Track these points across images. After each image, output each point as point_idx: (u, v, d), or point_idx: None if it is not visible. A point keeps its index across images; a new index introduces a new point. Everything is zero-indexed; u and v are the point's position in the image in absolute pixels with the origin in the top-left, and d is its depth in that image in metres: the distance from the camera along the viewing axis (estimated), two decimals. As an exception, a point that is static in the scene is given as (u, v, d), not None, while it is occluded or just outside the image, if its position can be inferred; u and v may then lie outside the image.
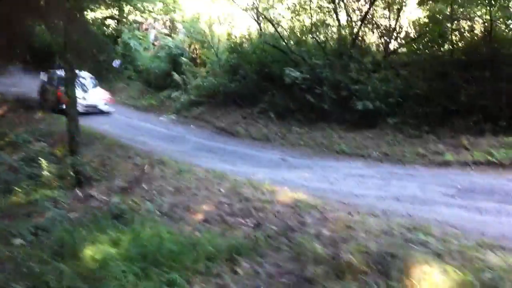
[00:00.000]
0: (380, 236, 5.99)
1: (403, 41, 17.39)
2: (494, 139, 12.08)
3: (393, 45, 17.68)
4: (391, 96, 14.76)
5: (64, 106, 17.65)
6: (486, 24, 14.55)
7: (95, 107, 19.52)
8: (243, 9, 21.20)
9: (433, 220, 7.01)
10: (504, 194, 8.96)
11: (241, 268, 5.83)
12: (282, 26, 20.50)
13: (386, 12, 17.76)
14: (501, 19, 14.43)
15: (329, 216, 6.96)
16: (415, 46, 16.87)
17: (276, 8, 20.99)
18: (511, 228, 6.91)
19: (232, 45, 21.00)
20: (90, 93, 19.00)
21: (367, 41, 18.49)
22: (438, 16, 15.42)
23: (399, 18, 17.29)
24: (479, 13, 14.77)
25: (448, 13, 14.98)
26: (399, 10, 17.17)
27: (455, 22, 15.23)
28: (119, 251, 6.41)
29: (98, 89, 20.45)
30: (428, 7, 16.12)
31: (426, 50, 16.18)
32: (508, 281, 4.78)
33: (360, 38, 18.04)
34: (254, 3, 20.64)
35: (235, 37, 21.69)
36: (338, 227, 6.45)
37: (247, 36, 21.26)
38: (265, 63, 18.63)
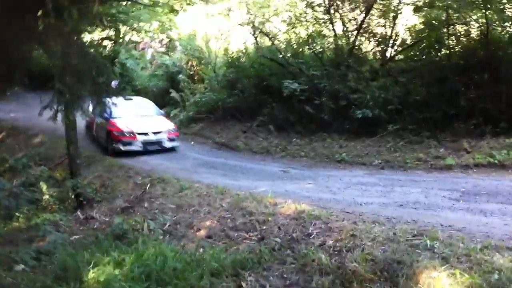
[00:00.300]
0: (386, 244, 5.93)
1: (400, 48, 17.37)
2: (495, 141, 12.01)
3: (390, 52, 17.65)
4: (390, 103, 14.68)
5: (121, 146, 15.32)
6: (482, 27, 14.52)
7: (158, 143, 16.02)
8: (238, 24, 21.23)
9: (438, 224, 6.94)
10: (508, 195, 8.89)
11: (246, 283, 5.80)
12: (278, 39, 20.50)
13: (382, 20, 17.74)
14: (497, 22, 14.39)
15: (334, 226, 6.89)
16: (412, 53, 16.82)
17: (271, 22, 20.96)
18: (517, 229, 6.82)
19: (229, 60, 21.05)
20: (152, 125, 16.29)
21: (364, 50, 18.48)
22: (434, 22, 15.41)
23: (395, 26, 17.29)
24: (474, 17, 14.72)
25: (443, 19, 14.97)
26: (394, 17, 17.17)
27: (451, 27, 15.19)
28: (123, 272, 6.39)
29: (162, 119, 17.40)
30: (423, 13, 16.09)
31: (423, 56, 16.10)
32: (516, 281, 4.74)
33: (357, 47, 18.00)
34: (249, 18, 20.64)
35: (232, 52, 21.71)
36: (343, 237, 6.39)
37: (244, 51, 21.20)
38: (263, 77, 18.62)
